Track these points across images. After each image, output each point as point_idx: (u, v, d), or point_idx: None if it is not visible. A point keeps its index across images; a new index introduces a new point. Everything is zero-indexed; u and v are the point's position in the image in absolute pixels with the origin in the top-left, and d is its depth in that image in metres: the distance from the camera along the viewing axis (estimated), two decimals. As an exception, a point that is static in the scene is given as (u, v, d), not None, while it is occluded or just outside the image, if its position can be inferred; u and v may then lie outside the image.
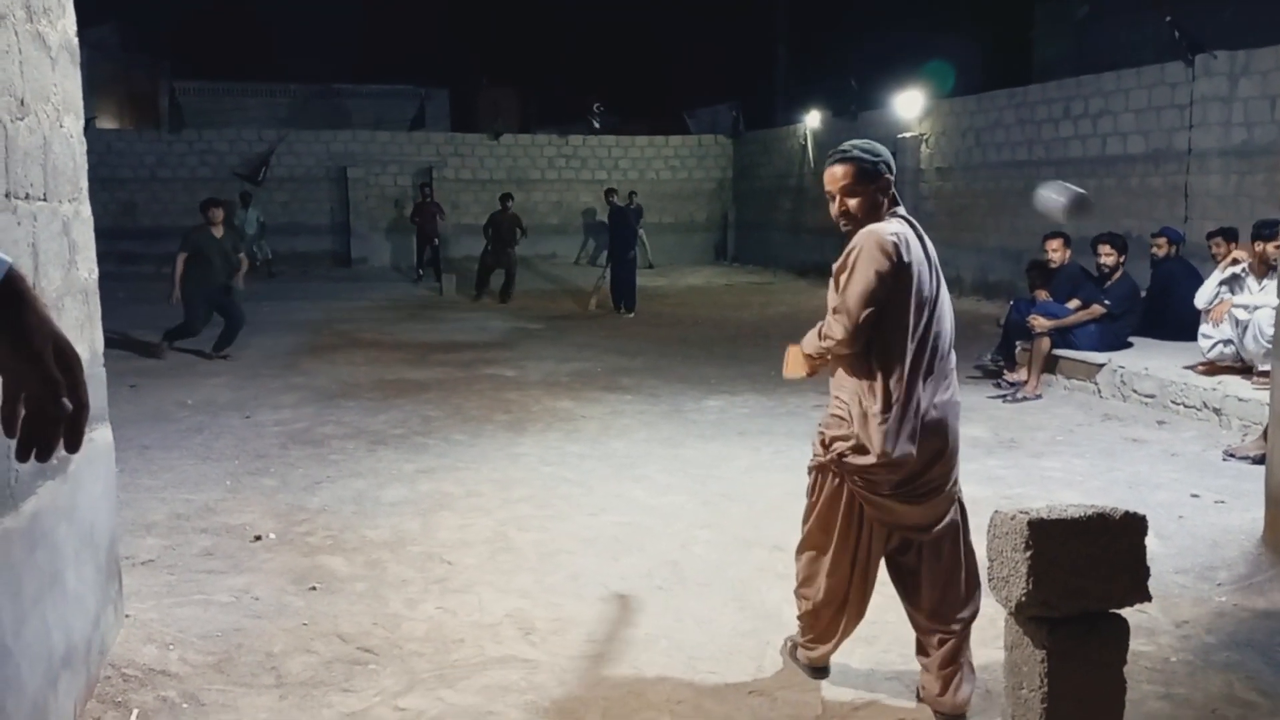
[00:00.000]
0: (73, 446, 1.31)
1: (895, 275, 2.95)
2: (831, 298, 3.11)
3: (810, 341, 3.22)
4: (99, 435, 3.44)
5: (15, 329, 1.24)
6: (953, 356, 3.17)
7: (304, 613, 3.93)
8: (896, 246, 2.96)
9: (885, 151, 3.20)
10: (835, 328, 3.01)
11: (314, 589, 4.18)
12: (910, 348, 3.00)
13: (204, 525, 5.02)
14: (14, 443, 1.28)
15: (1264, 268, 7.11)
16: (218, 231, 10.15)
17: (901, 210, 3.16)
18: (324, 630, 3.77)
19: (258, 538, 4.84)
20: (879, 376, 3.02)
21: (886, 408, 3.00)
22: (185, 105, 23.20)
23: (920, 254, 3.05)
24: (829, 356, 3.17)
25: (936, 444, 3.06)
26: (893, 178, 3.17)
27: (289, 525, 5.04)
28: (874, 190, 3.12)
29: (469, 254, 19.05)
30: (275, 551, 4.67)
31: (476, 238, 17.49)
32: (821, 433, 3.23)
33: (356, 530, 4.96)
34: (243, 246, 18.45)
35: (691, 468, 6.14)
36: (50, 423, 1.28)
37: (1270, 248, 7.02)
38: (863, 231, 3.03)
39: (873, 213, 3.10)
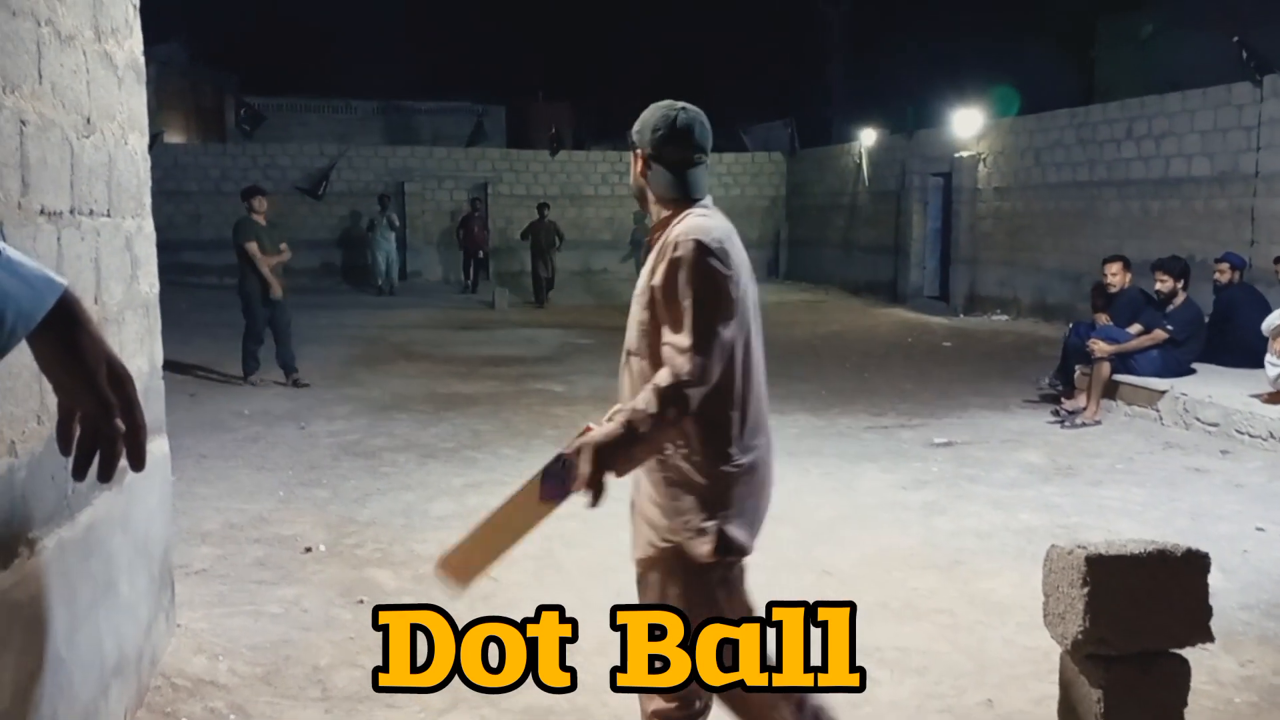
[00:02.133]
0: (137, 465, 1.33)
1: (735, 287, 2.37)
2: (635, 328, 2.46)
3: (629, 422, 2.28)
4: (155, 446, 3.49)
5: (70, 350, 1.26)
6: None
7: (351, 626, 3.96)
8: (725, 250, 2.37)
9: (661, 112, 2.48)
10: (683, 361, 2.27)
11: (361, 602, 4.21)
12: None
13: (257, 535, 5.09)
14: (69, 460, 1.30)
15: None
16: (261, 221, 9.52)
17: (705, 202, 2.51)
18: (370, 644, 3.78)
19: (308, 549, 4.89)
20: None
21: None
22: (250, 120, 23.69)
23: (744, 254, 2.48)
24: (670, 425, 2.32)
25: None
26: (666, 146, 2.47)
27: (339, 537, 5.09)
28: (642, 169, 2.51)
29: (523, 268, 19.46)
30: (325, 563, 4.71)
31: (528, 251, 18.58)
32: (695, 525, 2.40)
33: (405, 544, 4.99)
34: (374, 258, 19.23)
35: (740, 488, 6.08)
36: (105, 442, 1.30)
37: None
38: (679, 229, 2.40)
39: (645, 200, 2.55)
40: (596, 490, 2.27)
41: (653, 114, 2.49)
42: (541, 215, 18.42)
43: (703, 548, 2.37)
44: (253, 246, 9.33)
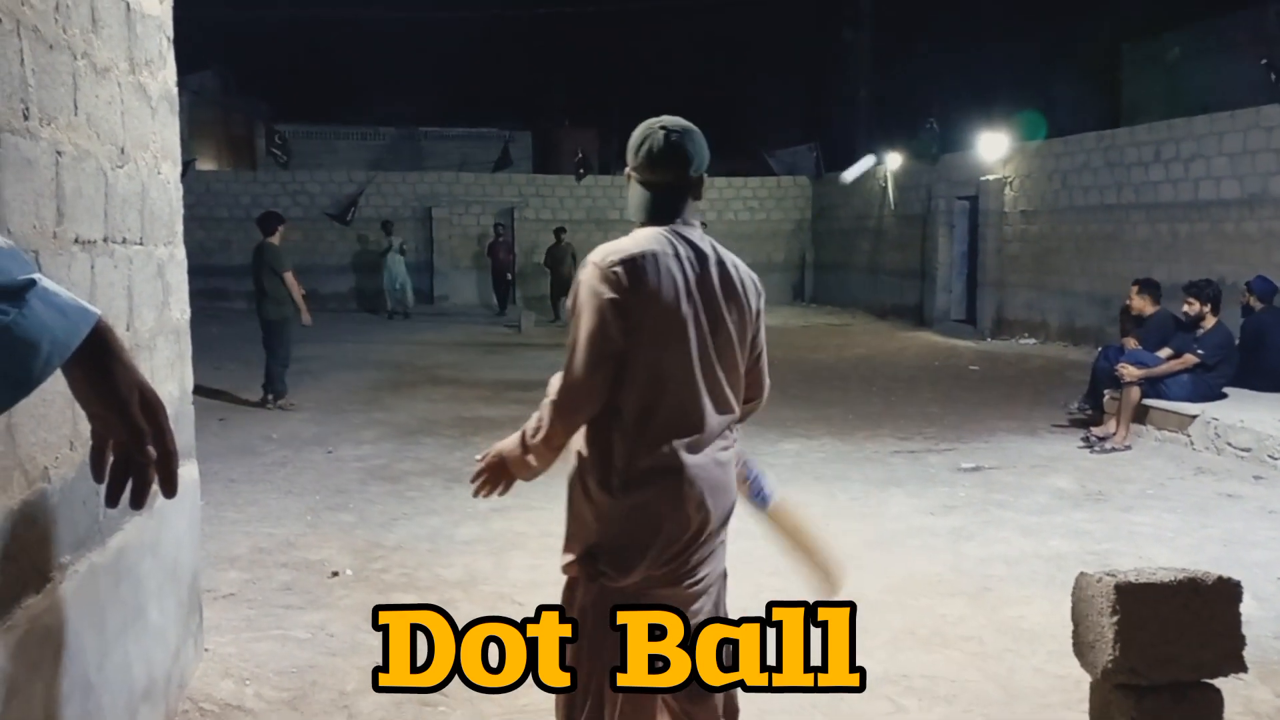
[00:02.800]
0: (169, 492, 1.35)
1: (625, 307, 2.27)
2: None
3: (523, 432, 2.41)
4: (185, 472, 3.53)
5: (103, 378, 1.28)
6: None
7: (377, 651, 3.95)
8: (618, 273, 2.28)
9: (640, 132, 2.44)
10: (557, 381, 2.33)
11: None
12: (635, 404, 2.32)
13: (284, 560, 5.11)
14: (103, 487, 1.32)
15: None
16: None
17: (686, 219, 2.43)
18: (396, 669, 3.79)
19: (335, 574, 4.91)
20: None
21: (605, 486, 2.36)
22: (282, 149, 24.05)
23: (674, 277, 2.32)
24: (545, 442, 2.37)
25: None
26: (640, 167, 2.42)
27: (365, 561, 5.11)
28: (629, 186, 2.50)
29: (546, 293, 19.76)
30: (351, 588, 4.73)
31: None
32: (569, 543, 2.46)
33: (430, 568, 5.00)
34: (388, 284, 19.63)
35: (766, 513, 6.06)
36: (137, 469, 1.32)
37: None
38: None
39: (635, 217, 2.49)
40: (482, 485, 2.46)
41: (637, 132, 2.44)
42: (559, 239, 19.27)
43: (566, 561, 2.42)
44: (290, 275, 9.59)
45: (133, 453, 1.31)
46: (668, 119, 2.44)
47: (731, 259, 2.49)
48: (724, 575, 2.56)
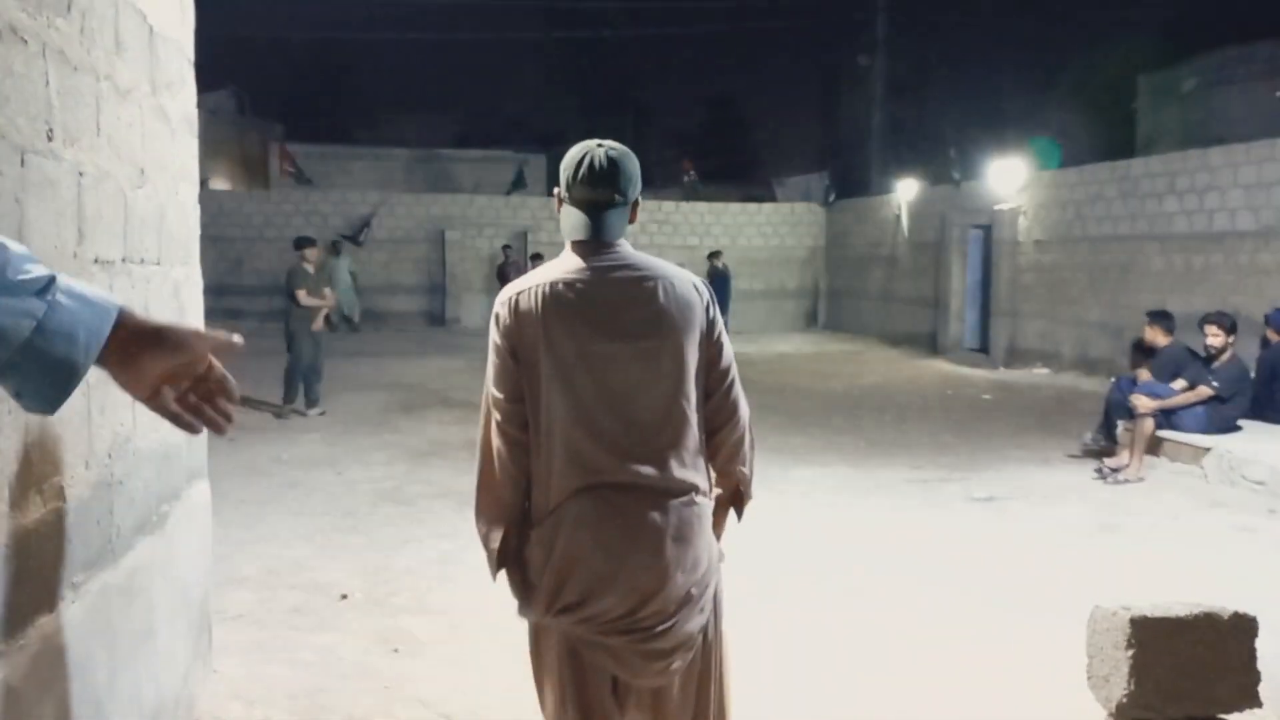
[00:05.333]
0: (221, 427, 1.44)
1: (512, 347, 2.27)
2: None
3: None
4: (197, 492, 3.54)
5: (161, 341, 1.34)
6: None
7: (386, 675, 3.95)
8: (500, 314, 2.30)
9: (577, 151, 2.38)
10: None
11: (397, 651, 4.21)
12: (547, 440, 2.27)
13: (294, 581, 5.11)
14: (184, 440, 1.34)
15: None
16: (310, 269, 10.78)
17: (617, 242, 2.37)
18: (405, 694, 3.78)
19: (344, 596, 4.90)
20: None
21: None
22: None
23: (564, 309, 2.25)
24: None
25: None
26: (578, 184, 2.34)
27: (375, 584, 5.10)
28: (558, 208, 2.45)
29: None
30: (361, 611, 4.72)
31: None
32: None
33: (440, 592, 4.99)
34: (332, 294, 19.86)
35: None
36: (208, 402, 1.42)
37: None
38: None
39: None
40: None
41: (573, 151, 2.37)
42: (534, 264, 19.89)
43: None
44: (301, 294, 10.47)
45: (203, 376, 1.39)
46: (604, 141, 2.39)
47: (668, 275, 2.36)
48: (706, 642, 2.39)
